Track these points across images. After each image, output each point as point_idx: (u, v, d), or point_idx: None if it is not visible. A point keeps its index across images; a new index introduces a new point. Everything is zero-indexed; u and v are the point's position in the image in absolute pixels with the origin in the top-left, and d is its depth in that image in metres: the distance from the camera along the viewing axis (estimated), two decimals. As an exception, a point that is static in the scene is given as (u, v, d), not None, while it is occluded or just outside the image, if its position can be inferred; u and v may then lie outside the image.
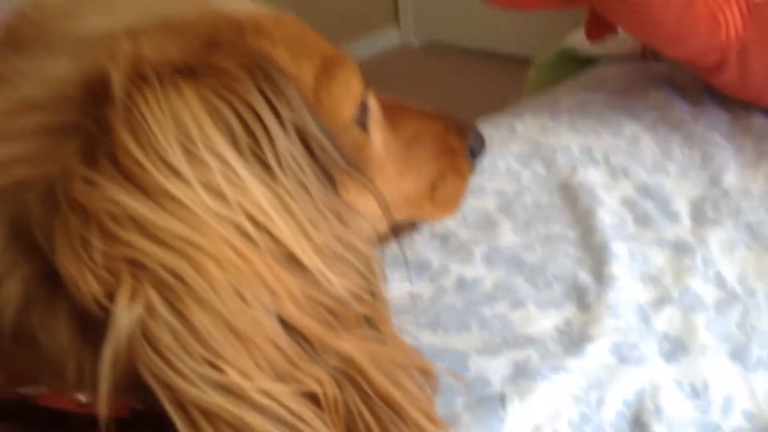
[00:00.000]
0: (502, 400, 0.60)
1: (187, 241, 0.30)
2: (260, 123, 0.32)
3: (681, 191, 0.86)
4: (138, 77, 0.31)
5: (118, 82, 0.31)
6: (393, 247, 0.84)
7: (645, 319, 0.67)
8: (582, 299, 0.70)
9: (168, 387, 0.30)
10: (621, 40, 1.27)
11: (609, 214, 0.82)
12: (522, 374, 0.62)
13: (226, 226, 0.31)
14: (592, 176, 0.90)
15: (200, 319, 0.30)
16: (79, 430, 0.32)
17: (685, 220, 0.81)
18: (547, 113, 1.10)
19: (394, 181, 0.49)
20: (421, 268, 0.79)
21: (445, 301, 0.73)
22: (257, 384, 0.30)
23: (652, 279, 0.72)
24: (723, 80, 0.98)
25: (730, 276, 0.72)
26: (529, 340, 0.66)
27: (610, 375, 0.61)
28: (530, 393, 0.60)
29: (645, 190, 0.86)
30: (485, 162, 0.98)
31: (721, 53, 0.92)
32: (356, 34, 2.95)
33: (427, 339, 0.69)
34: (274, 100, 0.33)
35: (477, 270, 0.77)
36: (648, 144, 0.97)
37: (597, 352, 0.63)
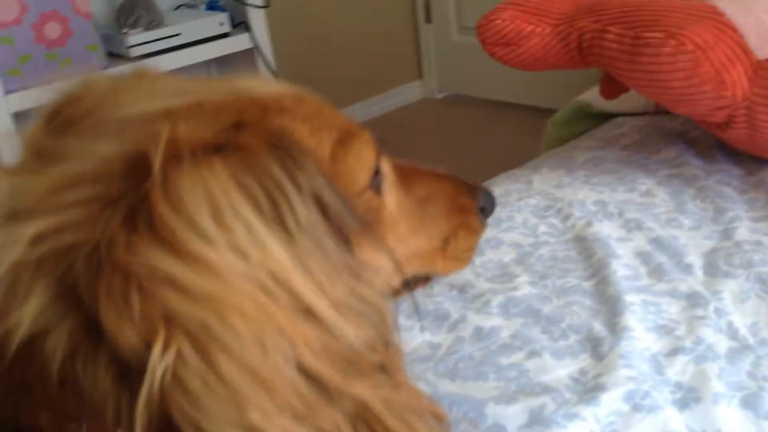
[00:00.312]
0: (518, 446, 0.62)
1: (214, 296, 0.33)
2: (281, 192, 0.36)
3: (694, 244, 0.88)
4: (173, 154, 0.35)
5: (156, 158, 0.35)
6: (412, 299, 0.88)
7: (658, 369, 0.69)
8: (596, 349, 0.72)
9: (197, 427, 0.33)
10: (635, 97, 1.31)
11: (623, 266, 0.84)
12: (537, 422, 0.64)
13: (250, 283, 0.34)
14: (607, 229, 0.93)
15: (226, 366, 0.33)
16: None
17: (698, 272, 0.83)
18: (563, 168, 1.14)
19: (407, 238, 0.52)
20: (440, 318, 0.82)
21: (463, 351, 0.76)
22: (278, 423, 0.33)
23: (665, 329, 0.74)
24: (732, 136, 1.01)
25: (742, 326, 0.73)
26: (545, 389, 0.68)
27: (624, 422, 0.63)
28: (546, 440, 0.62)
29: (658, 243, 0.89)
30: (503, 215, 1.01)
31: (728, 111, 0.96)
32: (383, 88, 3.05)
33: (445, 387, 0.71)
34: (294, 172, 0.37)
35: (494, 320, 0.79)
36: (662, 198, 1.00)
37: (611, 400, 0.65)
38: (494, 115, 2.89)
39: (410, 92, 3.19)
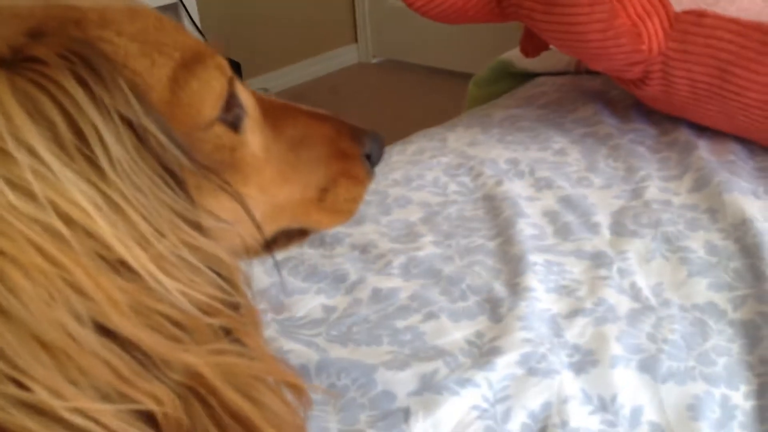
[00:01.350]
0: (406, 414, 0.58)
1: None
2: (82, 116, 0.30)
3: (603, 203, 0.85)
4: None
5: None
6: (308, 257, 0.82)
7: (556, 331, 0.65)
8: (495, 311, 0.69)
9: None
10: (556, 55, 1.27)
11: (530, 225, 0.81)
12: (428, 388, 0.60)
13: (35, 227, 0.28)
14: (517, 188, 0.89)
15: (2, 332, 0.27)
16: None
17: (605, 232, 0.80)
18: (478, 127, 1.10)
19: (275, 185, 0.46)
20: (338, 279, 0.77)
21: (359, 314, 0.71)
22: (70, 403, 0.28)
23: (566, 290, 0.71)
24: (648, 93, 0.98)
25: (645, 287, 0.71)
26: (439, 353, 0.64)
27: (518, 387, 0.60)
28: (436, 407, 0.58)
29: (567, 202, 0.86)
30: (413, 173, 0.97)
31: (644, 66, 0.93)
32: (317, 51, 2.97)
33: (336, 353, 0.67)
34: (98, 92, 0.31)
35: (394, 281, 0.75)
36: (574, 157, 0.97)
37: (506, 364, 0.61)
38: (429, 81, 2.84)
39: (345, 56, 3.12)
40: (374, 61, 3.17)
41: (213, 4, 2.44)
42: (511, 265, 0.74)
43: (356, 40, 3.17)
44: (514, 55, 1.40)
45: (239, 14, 2.67)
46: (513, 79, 1.40)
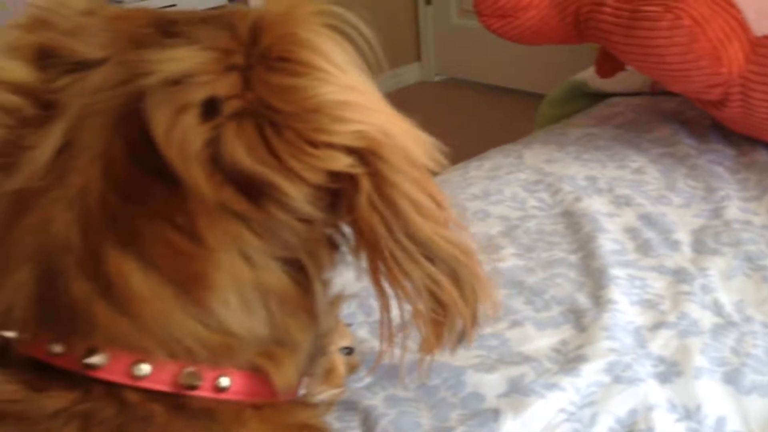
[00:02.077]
0: (495, 414, 0.61)
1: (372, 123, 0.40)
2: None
3: (683, 221, 0.87)
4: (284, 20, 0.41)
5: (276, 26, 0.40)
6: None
7: (641, 342, 0.68)
8: (579, 321, 0.71)
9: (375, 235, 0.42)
10: (631, 76, 1.29)
11: (610, 240, 0.83)
12: (516, 390, 0.63)
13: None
14: (596, 204, 0.92)
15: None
16: None
17: (686, 249, 0.82)
18: (555, 144, 1.12)
19: None
20: (424, 287, 0.80)
21: (445, 320, 0.75)
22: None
23: (649, 303, 0.73)
24: (726, 115, 1.00)
25: (728, 303, 0.72)
26: (525, 359, 0.67)
27: (604, 393, 0.62)
28: (524, 408, 0.61)
29: (647, 219, 0.88)
30: (492, 188, 1.00)
31: (723, 88, 0.94)
32: (379, 70, 3.03)
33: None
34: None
35: (478, 291, 0.78)
36: (653, 176, 0.99)
37: (591, 372, 0.64)
38: (491, 99, 2.87)
39: (408, 74, 3.16)
40: (437, 79, 3.21)
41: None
42: (594, 278, 0.77)
43: (419, 59, 3.22)
44: (587, 76, 1.42)
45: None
46: (586, 99, 1.43)
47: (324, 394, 0.65)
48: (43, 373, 0.37)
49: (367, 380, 0.68)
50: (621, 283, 0.75)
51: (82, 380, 0.37)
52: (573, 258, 0.82)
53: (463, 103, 2.91)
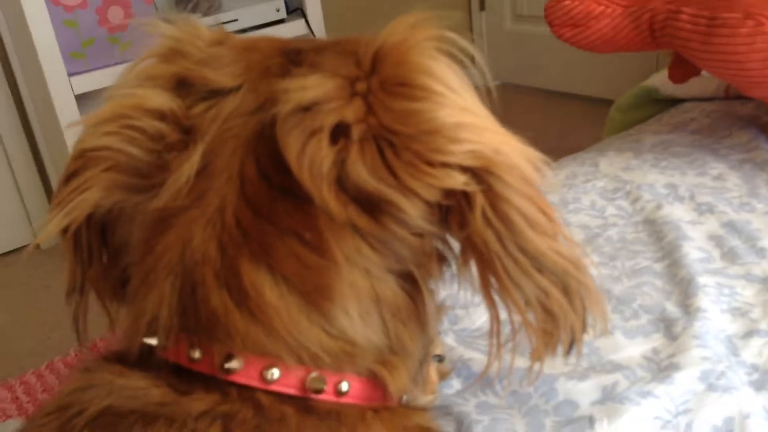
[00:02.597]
0: (590, 421, 0.62)
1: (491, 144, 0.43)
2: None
3: (768, 228, 0.87)
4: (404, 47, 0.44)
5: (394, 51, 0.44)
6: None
7: (733, 350, 0.68)
8: (669, 329, 0.72)
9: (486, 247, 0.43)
10: (704, 81, 1.28)
11: (695, 248, 0.83)
12: (610, 398, 0.64)
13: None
14: (678, 212, 0.92)
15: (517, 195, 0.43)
16: None
17: (774, 257, 0.81)
18: (630, 152, 1.12)
19: None
20: (509, 296, 0.82)
21: (532, 328, 0.76)
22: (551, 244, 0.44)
23: (740, 311, 0.73)
24: (811, 120, 0.98)
25: (821, 311, 0.72)
26: (617, 367, 0.68)
27: (699, 401, 0.62)
28: (619, 416, 0.61)
29: (731, 227, 0.87)
30: (569, 196, 1.01)
31: (808, 94, 0.93)
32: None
33: (516, 362, 0.71)
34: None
35: (563, 299, 0.79)
36: (734, 182, 0.98)
37: (685, 379, 0.64)
38: (547, 104, 2.85)
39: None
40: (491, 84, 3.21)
41: (338, 31, 2.56)
42: (681, 286, 0.77)
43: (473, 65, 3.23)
44: (658, 81, 1.41)
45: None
46: (655, 104, 1.42)
47: (419, 400, 0.68)
48: (183, 377, 0.40)
49: (457, 387, 0.70)
50: (710, 291, 0.75)
51: (218, 384, 0.40)
52: (658, 266, 0.82)
53: (518, 109, 2.90)
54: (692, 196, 0.95)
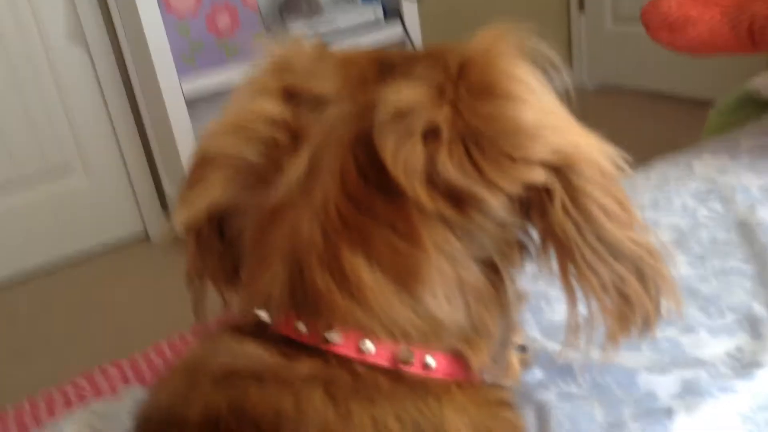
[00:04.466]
0: (669, 412, 0.63)
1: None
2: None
3: None
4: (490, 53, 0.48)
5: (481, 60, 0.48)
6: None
7: (820, 351, 0.67)
8: (755, 329, 0.72)
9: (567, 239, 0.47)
10: (809, 84, 1.25)
11: (787, 251, 0.83)
12: (690, 392, 0.65)
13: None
14: (772, 215, 0.91)
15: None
16: None
17: None
18: (726, 154, 1.11)
19: None
20: (593, 292, 0.83)
21: (616, 323, 0.77)
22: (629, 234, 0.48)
23: (830, 314, 0.72)
24: None
25: None
26: (699, 362, 0.69)
27: (781, 399, 0.63)
28: (698, 409, 0.63)
29: (828, 231, 0.86)
30: (660, 197, 1.01)
31: None
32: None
33: (595, 355, 0.73)
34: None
35: (648, 297, 0.80)
36: (834, 186, 0.96)
37: (767, 377, 0.65)
38: (648, 105, 2.80)
39: (557, 79, 3.15)
40: (589, 86, 3.17)
41: (437, 37, 2.60)
42: (770, 287, 0.77)
43: (571, 66, 3.19)
44: (759, 84, 1.38)
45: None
46: (756, 107, 1.39)
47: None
48: (291, 346, 0.46)
49: (539, 377, 0.73)
50: (799, 293, 0.75)
51: (320, 354, 0.45)
52: (748, 268, 0.82)
53: (617, 111, 2.86)
54: (788, 199, 0.94)
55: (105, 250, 2.26)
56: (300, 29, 2.13)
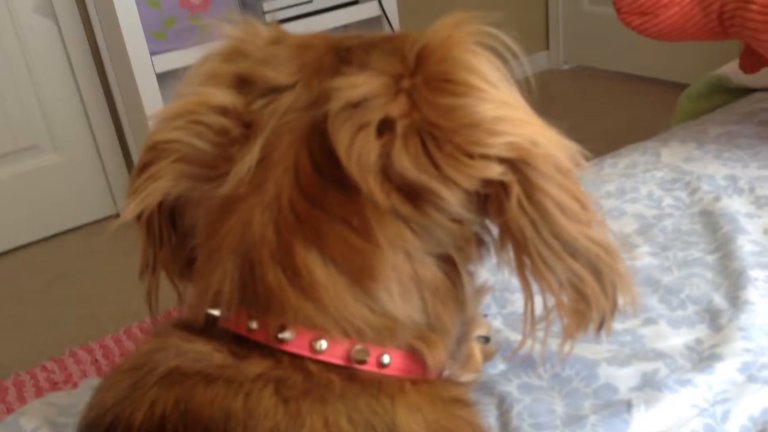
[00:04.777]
0: (628, 405, 0.64)
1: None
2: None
3: (829, 224, 0.85)
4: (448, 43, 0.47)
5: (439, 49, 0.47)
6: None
7: (778, 344, 0.68)
8: (715, 321, 0.72)
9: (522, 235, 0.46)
10: (778, 72, 1.25)
11: (750, 242, 0.83)
12: (649, 384, 0.66)
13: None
14: (736, 205, 0.91)
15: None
16: None
17: (831, 253, 0.80)
18: (693, 142, 1.11)
19: None
20: (558, 281, 0.84)
21: (579, 314, 0.78)
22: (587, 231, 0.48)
23: (789, 306, 0.73)
24: None
25: None
26: (659, 355, 0.69)
27: (738, 392, 0.64)
28: (656, 402, 0.63)
29: (790, 221, 0.87)
30: (627, 186, 1.01)
31: None
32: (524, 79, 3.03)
33: (554, 347, 0.74)
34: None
35: (612, 287, 0.81)
36: (798, 176, 0.97)
37: (726, 370, 0.65)
38: (623, 88, 2.81)
39: (535, 63, 3.14)
40: (565, 67, 3.17)
41: (414, 15, 2.58)
42: (732, 279, 0.77)
43: (548, 47, 3.19)
44: (729, 70, 1.38)
45: (434, 21, 2.79)
46: (727, 94, 1.39)
47: (462, 377, 0.71)
48: (242, 345, 0.45)
49: (502, 368, 0.73)
50: (760, 285, 0.75)
51: (272, 352, 0.45)
52: (710, 258, 0.83)
53: (593, 92, 2.86)
54: (752, 188, 0.95)
55: (75, 229, 2.23)
56: (275, 6, 2.09)
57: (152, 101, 1.97)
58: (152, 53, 1.95)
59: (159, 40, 2.05)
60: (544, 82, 3.07)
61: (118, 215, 2.29)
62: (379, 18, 2.30)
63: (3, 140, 2.10)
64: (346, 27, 2.28)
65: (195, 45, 1.99)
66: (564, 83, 3.05)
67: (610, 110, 2.61)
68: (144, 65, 1.93)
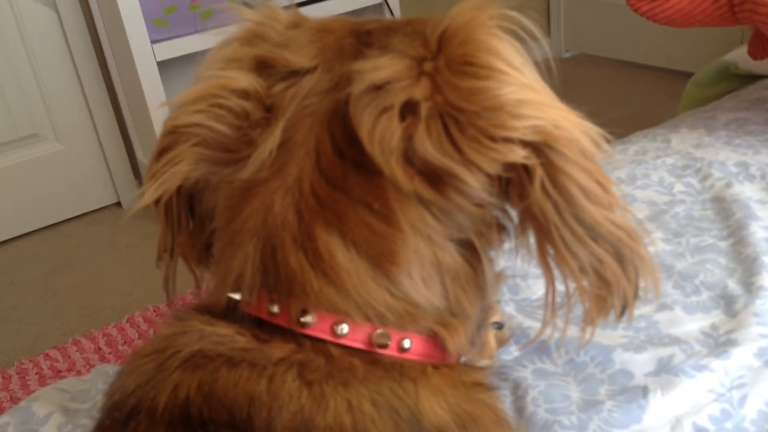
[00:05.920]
0: (644, 391, 0.63)
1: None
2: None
3: (842, 210, 0.85)
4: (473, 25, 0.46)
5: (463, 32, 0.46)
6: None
7: (794, 329, 0.68)
8: (729, 306, 0.72)
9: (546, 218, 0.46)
10: (787, 58, 1.24)
11: (763, 228, 0.83)
12: (665, 370, 0.65)
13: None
14: (748, 191, 0.91)
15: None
16: None
17: None
18: (704, 128, 1.11)
19: None
20: (570, 268, 0.83)
21: (592, 300, 0.77)
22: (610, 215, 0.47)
23: (804, 292, 0.73)
24: None
25: None
26: (674, 340, 0.69)
27: (755, 376, 0.63)
28: (672, 387, 0.63)
29: (803, 207, 0.86)
30: (638, 172, 1.01)
31: None
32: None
33: (572, 332, 0.73)
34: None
35: (625, 273, 0.80)
36: (809, 162, 0.96)
37: (742, 355, 0.65)
38: (625, 76, 2.80)
39: (535, 50, 3.13)
40: (567, 55, 3.16)
41: (414, 2, 2.56)
42: (745, 265, 0.77)
43: (549, 35, 3.17)
44: (737, 56, 1.38)
45: (434, 8, 2.77)
46: (734, 80, 1.39)
47: (478, 363, 0.71)
48: (264, 328, 0.45)
49: (516, 354, 0.73)
50: (774, 270, 0.75)
51: (294, 336, 0.44)
52: (723, 244, 0.82)
53: (595, 80, 2.85)
54: (764, 175, 0.94)
55: (77, 218, 2.22)
56: (275, -7, 2.08)
57: (153, 89, 1.96)
58: (153, 41, 1.94)
59: (160, 27, 2.04)
60: (544, 70, 3.06)
61: (119, 204, 2.28)
62: (380, 5, 2.29)
63: (3, 129, 2.09)
64: (349, 15, 2.27)
65: (196, 33, 1.98)
66: (565, 71, 3.04)
67: (612, 98, 2.60)
68: (145, 53, 1.92)
